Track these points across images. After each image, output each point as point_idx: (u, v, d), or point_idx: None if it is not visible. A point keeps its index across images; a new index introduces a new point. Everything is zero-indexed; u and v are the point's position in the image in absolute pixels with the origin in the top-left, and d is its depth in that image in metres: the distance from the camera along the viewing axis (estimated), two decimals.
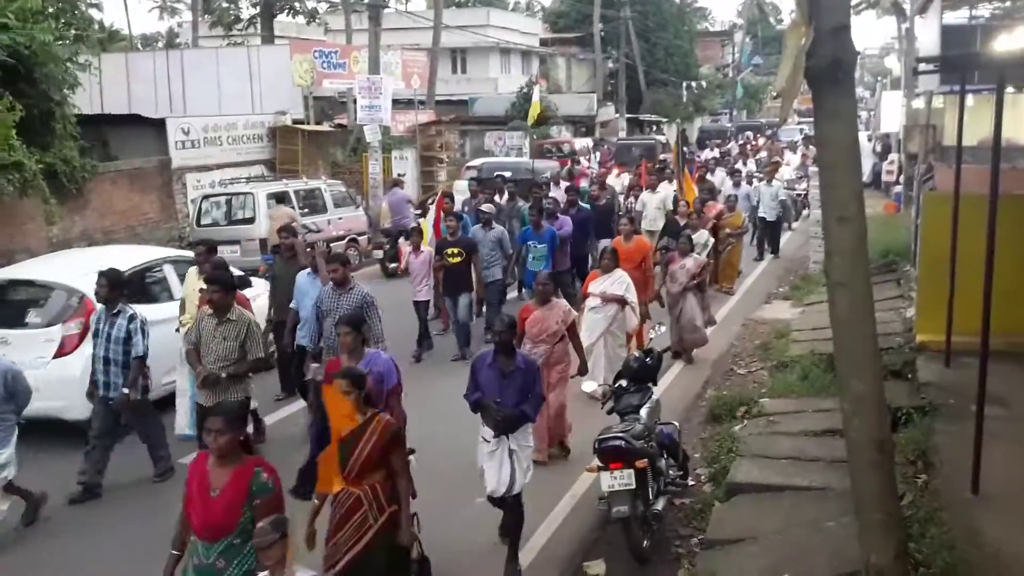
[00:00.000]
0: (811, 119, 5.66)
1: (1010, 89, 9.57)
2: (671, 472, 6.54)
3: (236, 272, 9.21)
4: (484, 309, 11.38)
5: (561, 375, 7.41)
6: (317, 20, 34.21)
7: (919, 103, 18.11)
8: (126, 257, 9.10)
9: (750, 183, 18.07)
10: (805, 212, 21.19)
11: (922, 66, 9.50)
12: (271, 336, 9.05)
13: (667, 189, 15.51)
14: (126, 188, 16.87)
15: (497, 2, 47.00)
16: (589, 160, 28.05)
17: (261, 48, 26.31)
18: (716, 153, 30.07)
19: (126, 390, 6.78)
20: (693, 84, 48.89)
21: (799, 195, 21.65)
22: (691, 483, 6.93)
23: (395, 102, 21.96)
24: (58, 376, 7.66)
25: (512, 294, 12.33)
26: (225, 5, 34.51)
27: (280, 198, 14.65)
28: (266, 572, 3.77)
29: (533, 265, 10.92)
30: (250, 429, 6.89)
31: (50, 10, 17.40)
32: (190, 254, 8.98)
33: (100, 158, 16.67)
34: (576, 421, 7.60)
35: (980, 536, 5.15)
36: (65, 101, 14.58)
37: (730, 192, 16.38)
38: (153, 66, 24.36)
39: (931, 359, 8.39)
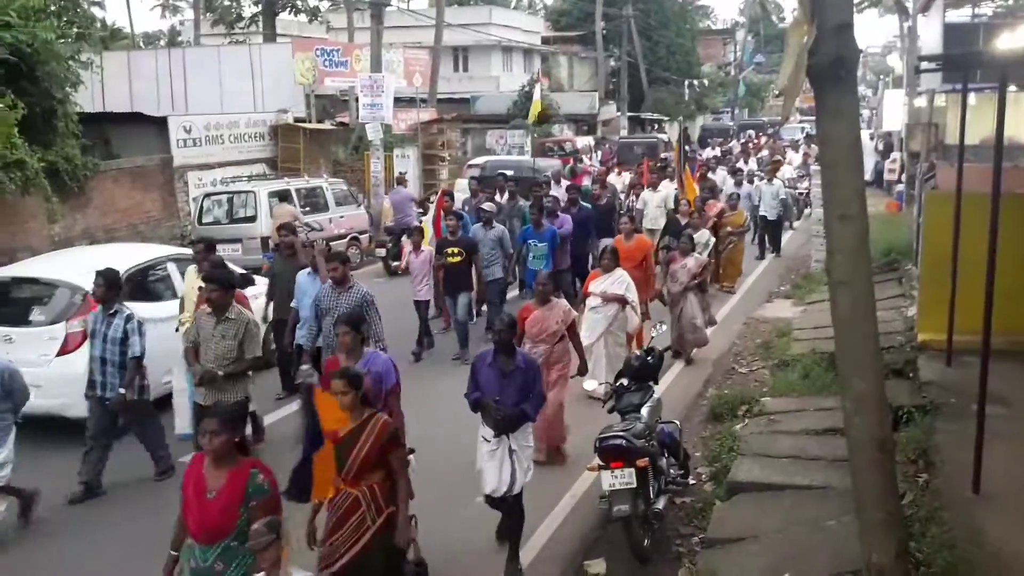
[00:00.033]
0: (813, 117, 5.65)
1: (1012, 88, 9.54)
2: (672, 471, 6.54)
3: (238, 270, 9.22)
4: (485, 308, 11.37)
5: (561, 375, 7.40)
6: (319, 18, 34.16)
7: (921, 101, 18.09)
8: (129, 255, 9.11)
9: (751, 182, 18.03)
10: (807, 211, 21.16)
11: (924, 64, 9.52)
12: (271, 335, 9.05)
13: (668, 188, 15.52)
14: (128, 186, 16.87)
15: (499, 0, 46.96)
16: (591, 158, 28.04)
17: (263, 46, 26.25)
18: (718, 152, 30.06)
19: (123, 390, 6.76)
20: (695, 82, 48.81)
21: (801, 194, 21.61)
22: (692, 482, 6.93)
23: (397, 100, 21.96)
24: (61, 374, 7.67)
25: (513, 293, 12.31)
26: (227, 3, 34.44)
27: (282, 196, 14.67)
28: (262, 574, 3.76)
29: (534, 264, 10.92)
30: (249, 430, 6.89)
31: (52, 8, 17.42)
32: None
33: (102, 156, 16.64)
34: (576, 421, 7.58)
35: (981, 535, 5.14)
36: (67, 99, 14.57)
37: (732, 191, 16.38)
38: (155, 64, 24.33)
39: (932, 358, 8.38)
